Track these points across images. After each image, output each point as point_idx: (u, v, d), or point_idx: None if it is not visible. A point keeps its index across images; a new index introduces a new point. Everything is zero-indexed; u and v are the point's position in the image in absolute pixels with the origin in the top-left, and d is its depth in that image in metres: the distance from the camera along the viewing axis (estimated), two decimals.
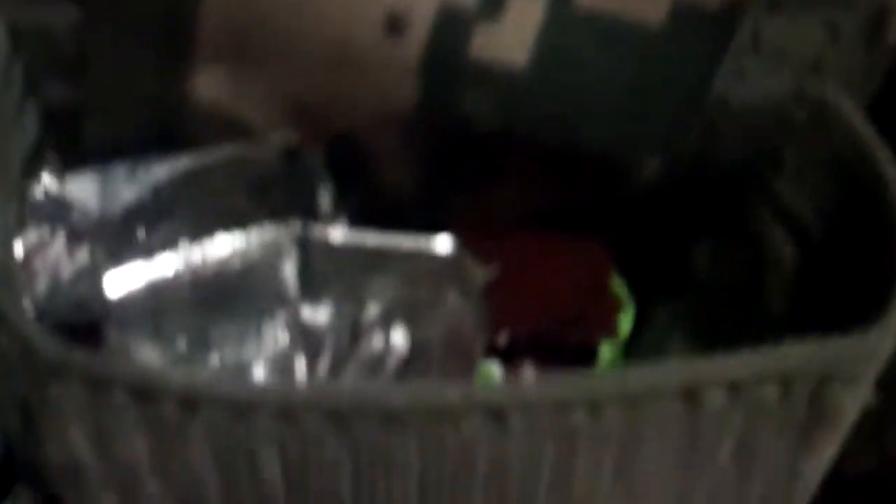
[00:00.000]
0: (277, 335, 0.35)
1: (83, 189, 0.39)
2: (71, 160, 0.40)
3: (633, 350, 0.44)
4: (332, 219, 0.37)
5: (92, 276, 0.36)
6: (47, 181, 0.39)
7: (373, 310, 0.35)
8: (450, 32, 0.37)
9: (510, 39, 0.38)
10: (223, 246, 0.36)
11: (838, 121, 0.38)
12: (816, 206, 0.40)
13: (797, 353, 0.31)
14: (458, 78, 0.38)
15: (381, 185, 0.41)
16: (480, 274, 0.36)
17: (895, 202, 0.36)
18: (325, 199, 0.38)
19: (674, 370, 0.31)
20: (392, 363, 0.35)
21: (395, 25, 0.37)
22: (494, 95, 0.38)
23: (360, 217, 0.41)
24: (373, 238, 0.37)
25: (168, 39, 0.37)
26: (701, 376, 0.31)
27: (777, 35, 0.38)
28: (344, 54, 0.37)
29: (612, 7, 0.37)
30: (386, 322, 0.35)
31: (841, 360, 0.32)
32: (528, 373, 0.39)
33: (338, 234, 0.36)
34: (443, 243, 0.37)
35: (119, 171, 0.39)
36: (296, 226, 0.36)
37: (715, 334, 0.43)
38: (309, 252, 0.36)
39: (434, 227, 0.41)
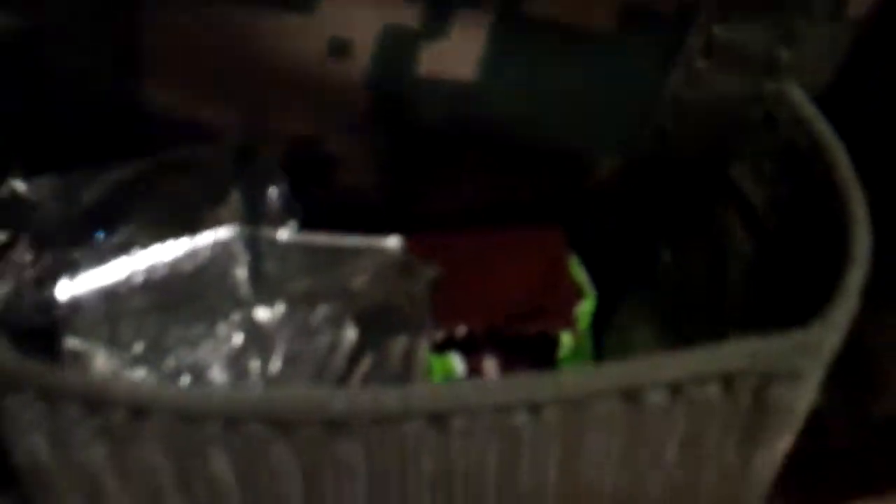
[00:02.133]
0: (232, 336, 0.36)
1: (46, 192, 0.39)
2: (34, 168, 0.41)
3: (604, 340, 0.44)
4: (283, 220, 0.38)
5: (53, 280, 0.37)
6: (13, 184, 0.39)
7: (323, 309, 0.36)
8: (395, 52, 0.38)
9: (458, 54, 0.38)
10: (174, 249, 0.36)
11: (792, 114, 0.38)
12: (770, 195, 0.39)
13: (737, 352, 0.31)
14: (407, 92, 0.38)
15: (339, 186, 0.41)
16: (429, 271, 0.37)
17: (845, 189, 0.36)
18: (277, 199, 0.38)
19: (613, 372, 0.31)
20: (342, 361, 0.36)
21: (339, 49, 0.38)
22: (446, 106, 0.39)
23: (319, 218, 0.42)
24: (321, 238, 0.37)
25: (115, 53, 0.38)
26: (640, 377, 0.31)
27: (729, 39, 0.37)
28: (292, 77, 0.38)
29: (559, 15, 0.37)
30: (336, 320, 0.36)
31: (782, 358, 0.32)
32: (489, 365, 0.40)
33: (286, 234, 0.37)
34: (391, 242, 0.37)
35: (80, 175, 0.39)
36: (245, 227, 0.37)
37: (681, 325, 0.43)
38: (259, 253, 0.36)
39: (393, 226, 0.41)
